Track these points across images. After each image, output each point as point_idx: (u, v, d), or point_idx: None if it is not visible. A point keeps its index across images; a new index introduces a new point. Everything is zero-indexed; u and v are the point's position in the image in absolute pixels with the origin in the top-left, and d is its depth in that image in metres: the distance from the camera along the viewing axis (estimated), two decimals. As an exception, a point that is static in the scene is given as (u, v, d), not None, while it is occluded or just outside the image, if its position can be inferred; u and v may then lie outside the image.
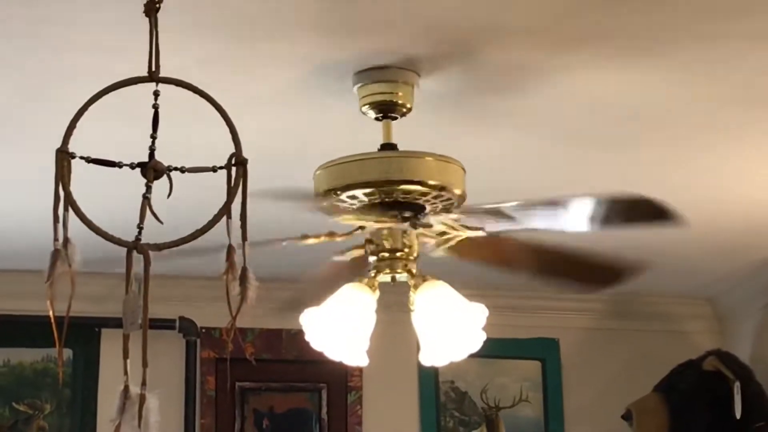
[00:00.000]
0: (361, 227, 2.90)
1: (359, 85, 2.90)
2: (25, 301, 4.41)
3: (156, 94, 1.94)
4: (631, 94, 3.10)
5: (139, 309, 1.80)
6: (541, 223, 2.83)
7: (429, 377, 5.17)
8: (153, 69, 1.95)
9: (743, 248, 4.61)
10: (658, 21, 2.64)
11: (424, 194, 2.81)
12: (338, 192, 2.80)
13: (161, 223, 1.85)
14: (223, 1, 2.51)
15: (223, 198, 1.87)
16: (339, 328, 2.90)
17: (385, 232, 2.90)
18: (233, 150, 1.93)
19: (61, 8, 2.49)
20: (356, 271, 3.00)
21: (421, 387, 5.19)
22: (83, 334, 4.81)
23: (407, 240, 2.91)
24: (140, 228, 1.83)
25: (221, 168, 1.91)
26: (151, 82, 1.94)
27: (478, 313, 2.83)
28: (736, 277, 5.04)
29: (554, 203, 2.72)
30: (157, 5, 1.98)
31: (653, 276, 4.93)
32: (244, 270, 1.85)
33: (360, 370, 5.00)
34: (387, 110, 2.93)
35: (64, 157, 1.81)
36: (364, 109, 2.94)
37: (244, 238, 1.87)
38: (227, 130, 1.93)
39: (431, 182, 2.79)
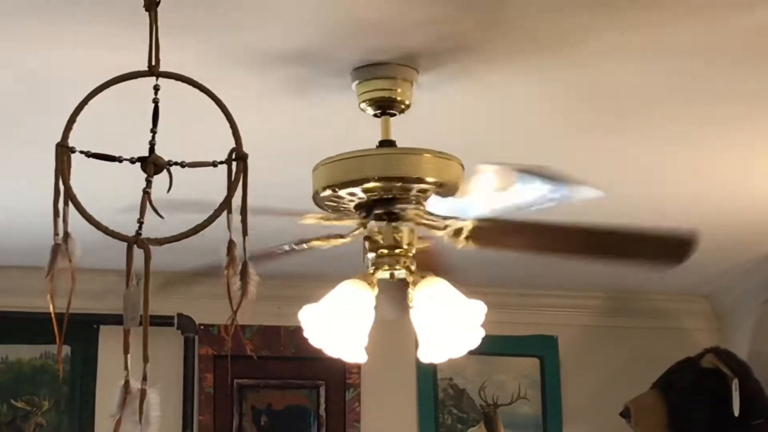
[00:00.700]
0: (363, 225, 2.90)
1: (358, 81, 2.90)
2: (23, 297, 4.42)
3: (156, 88, 1.94)
4: (627, 93, 3.10)
5: (139, 304, 1.80)
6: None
7: (427, 374, 5.18)
8: (153, 63, 1.95)
9: (741, 245, 4.62)
10: (654, 17, 2.64)
11: (423, 191, 2.80)
12: (336, 189, 2.80)
13: (162, 217, 1.85)
14: (221, -3, 2.51)
15: (224, 193, 1.87)
16: (337, 325, 2.90)
17: (381, 229, 2.90)
18: (233, 145, 1.93)
19: (61, 3, 2.49)
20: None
21: (419, 384, 5.19)
22: (82, 331, 4.81)
23: (406, 237, 2.91)
24: (140, 223, 1.83)
25: (221, 163, 1.91)
26: (151, 77, 1.94)
27: (477, 310, 2.83)
28: (734, 275, 5.04)
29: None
30: (157, 0, 1.98)
31: (651, 273, 4.96)
32: (245, 265, 1.85)
33: (358, 367, 5.00)
34: (386, 107, 2.93)
35: (63, 151, 1.81)
36: (363, 105, 2.94)
37: (244, 233, 1.86)
38: (227, 125, 1.93)
39: (430, 179, 2.78)
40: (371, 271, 2.93)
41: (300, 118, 3.20)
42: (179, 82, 1.96)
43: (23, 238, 4.17)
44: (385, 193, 2.81)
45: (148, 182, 1.88)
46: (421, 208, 2.85)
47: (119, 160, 1.89)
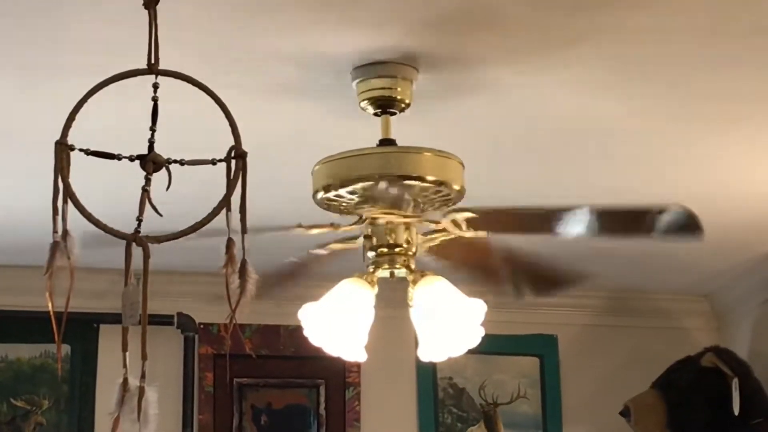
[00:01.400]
0: (361, 219, 2.89)
1: (358, 80, 2.90)
2: (23, 296, 4.43)
3: (155, 86, 1.93)
4: (629, 90, 3.10)
5: (138, 302, 1.80)
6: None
7: (427, 373, 5.17)
8: (152, 61, 1.95)
9: (741, 245, 4.62)
10: (653, 18, 2.64)
11: (423, 190, 2.80)
12: (337, 187, 2.80)
13: (160, 215, 1.85)
14: (221, -4, 2.51)
15: (223, 191, 1.87)
16: (337, 323, 2.90)
17: (381, 227, 2.90)
18: (232, 143, 1.92)
19: (61, 3, 2.49)
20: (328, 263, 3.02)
21: (419, 383, 5.19)
22: (81, 329, 4.81)
23: (406, 235, 2.91)
24: (139, 220, 1.83)
25: (221, 161, 1.90)
26: (150, 75, 1.94)
27: (477, 308, 2.83)
28: (734, 274, 5.04)
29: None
30: (157, -3, 1.98)
31: (651, 273, 4.97)
32: (244, 263, 1.84)
33: (358, 365, 5.00)
34: (386, 105, 2.93)
35: (63, 149, 1.81)
36: (363, 104, 2.94)
37: (243, 230, 1.86)
38: (226, 123, 1.93)
39: (430, 178, 2.78)
40: (371, 270, 2.93)
41: (300, 117, 3.20)
42: (178, 81, 1.96)
43: (22, 237, 4.17)
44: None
45: (147, 180, 1.87)
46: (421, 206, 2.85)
47: (118, 157, 1.89)
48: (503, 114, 3.23)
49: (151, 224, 1.86)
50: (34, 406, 4.83)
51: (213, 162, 1.92)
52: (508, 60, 2.86)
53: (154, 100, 1.93)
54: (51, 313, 1.76)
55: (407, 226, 2.91)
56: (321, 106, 3.11)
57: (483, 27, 2.68)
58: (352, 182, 2.78)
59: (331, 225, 2.92)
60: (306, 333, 2.90)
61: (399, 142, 2.88)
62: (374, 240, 2.92)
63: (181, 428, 4.88)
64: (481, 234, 2.91)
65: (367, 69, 2.87)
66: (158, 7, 1.99)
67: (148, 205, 1.85)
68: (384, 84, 2.89)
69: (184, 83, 1.96)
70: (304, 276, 3.22)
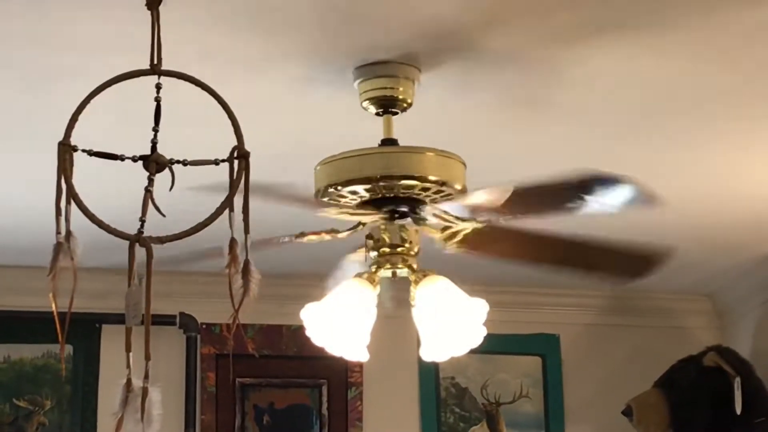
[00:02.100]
0: (362, 223, 2.90)
1: (360, 80, 2.90)
2: (26, 297, 4.43)
3: (158, 87, 1.94)
4: (628, 92, 3.10)
5: (141, 303, 1.80)
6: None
7: (429, 373, 5.17)
8: (155, 62, 1.95)
9: (743, 244, 4.62)
10: (652, 15, 2.64)
11: (425, 189, 2.80)
12: (339, 187, 2.80)
13: (163, 216, 1.85)
14: (223, -4, 2.52)
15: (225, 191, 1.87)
16: (339, 323, 2.90)
17: (383, 227, 2.90)
18: (235, 143, 1.93)
19: (63, 3, 2.49)
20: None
21: (421, 383, 5.19)
22: (84, 330, 4.81)
23: (408, 235, 2.91)
24: (142, 221, 1.83)
25: (223, 161, 1.91)
26: (153, 75, 1.95)
27: (479, 308, 2.83)
28: (736, 273, 5.04)
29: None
30: (160, -2, 1.99)
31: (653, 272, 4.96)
32: (247, 263, 1.85)
33: (360, 365, 5.00)
34: (388, 105, 2.93)
35: (66, 149, 1.81)
36: (365, 104, 2.94)
37: (246, 231, 1.87)
38: (229, 123, 1.93)
39: (432, 177, 2.78)
40: (373, 270, 2.93)
41: (302, 117, 3.20)
42: (181, 81, 1.96)
43: (26, 238, 4.17)
44: (387, 192, 2.80)
45: (150, 181, 1.88)
46: (425, 207, 2.85)
47: (121, 158, 1.89)
48: (505, 113, 3.23)
49: (155, 226, 1.87)
50: (37, 406, 4.83)
51: (216, 162, 1.92)
52: (510, 59, 2.86)
53: (157, 100, 1.94)
54: (54, 313, 1.77)
55: (409, 226, 2.91)
56: (323, 106, 3.11)
57: (485, 26, 2.68)
58: (354, 182, 2.78)
59: (331, 231, 2.92)
60: (308, 333, 2.90)
61: (401, 142, 2.88)
62: (376, 240, 2.92)
63: (183, 428, 4.88)
64: (457, 251, 2.93)
65: (369, 69, 2.87)
66: (161, 7, 2.00)
67: (151, 206, 1.85)
68: (386, 84, 2.89)
69: (187, 84, 1.96)
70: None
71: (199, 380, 4.97)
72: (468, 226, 2.91)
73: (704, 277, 5.12)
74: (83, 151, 1.85)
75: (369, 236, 2.94)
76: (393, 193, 2.81)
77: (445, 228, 2.92)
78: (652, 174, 3.76)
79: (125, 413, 1.76)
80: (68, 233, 1.77)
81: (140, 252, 1.84)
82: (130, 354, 1.80)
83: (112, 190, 3.09)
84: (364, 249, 2.93)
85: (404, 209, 2.86)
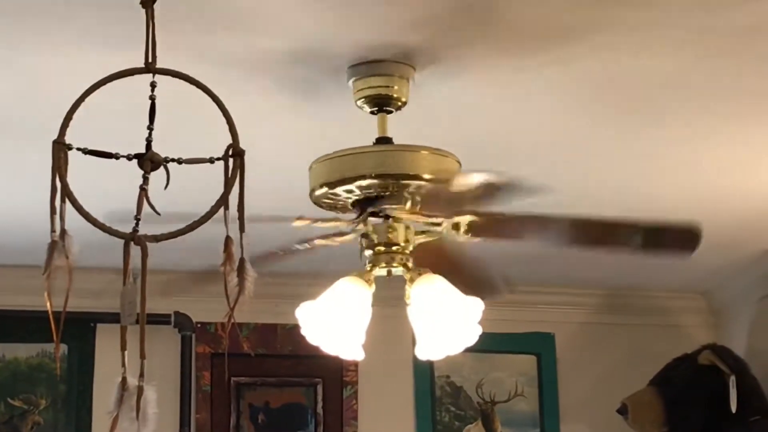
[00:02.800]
0: (362, 222, 2.89)
1: (354, 78, 2.90)
2: (20, 296, 4.43)
3: (153, 85, 1.94)
4: (626, 89, 3.10)
5: (136, 301, 1.80)
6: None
7: (424, 372, 5.17)
8: (150, 60, 1.95)
9: (738, 242, 4.62)
10: (653, 13, 2.64)
11: (420, 188, 2.80)
12: (333, 186, 2.80)
13: (158, 214, 1.85)
14: (217, -5, 2.51)
15: (221, 189, 1.87)
16: (335, 322, 2.89)
17: (379, 225, 2.90)
18: (230, 142, 1.92)
19: (59, 1, 2.48)
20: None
21: (416, 381, 5.19)
22: (79, 329, 4.81)
23: (403, 234, 2.91)
24: (137, 219, 1.83)
25: (218, 159, 1.91)
26: (147, 74, 1.94)
27: (474, 306, 2.83)
28: (730, 271, 5.04)
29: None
30: (154, -4, 1.98)
31: (648, 270, 4.97)
32: (242, 261, 1.84)
33: (355, 364, 5.00)
34: (382, 104, 2.92)
35: (60, 148, 1.81)
36: (360, 102, 2.93)
37: (241, 229, 1.87)
38: (224, 121, 1.93)
39: (427, 176, 2.78)
40: (368, 269, 2.93)
41: (296, 116, 3.20)
42: (176, 80, 1.96)
43: (20, 237, 4.16)
44: (382, 191, 2.80)
45: (145, 179, 1.87)
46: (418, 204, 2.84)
47: (116, 156, 1.89)
48: (500, 111, 3.23)
49: (150, 224, 1.87)
50: (32, 405, 4.83)
51: (211, 160, 1.92)
52: (505, 57, 2.86)
53: (152, 98, 1.93)
54: (49, 312, 1.76)
55: (404, 225, 2.91)
56: (317, 104, 3.11)
57: (479, 24, 2.68)
58: (349, 181, 2.78)
59: (335, 219, 2.92)
60: (303, 332, 2.90)
61: (396, 141, 2.88)
62: (371, 238, 2.91)
63: (178, 427, 4.88)
64: (475, 240, 2.92)
65: (363, 67, 2.87)
66: (155, 6, 2.00)
67: (146, 204, 1.84)
68: (380, 82, 2.88)
69: (182, 82, 1.96)
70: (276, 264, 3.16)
71: (194, 379, 4.97)
72: (457, 219, 2.90)
73: (699, 276, 5.12)
74: (78, 149, 1.84)
75: (364, 235, 2.93)
76: (388, 191, 2.81)
77: (443, 221, 2.92)
78: (646, 171, 3.79)
79: (120, 412, 1.76)
80: (63, 232, 1.77)
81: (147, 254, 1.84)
82: (125, 353, 1.80)
83: (106, 189, 3.09)
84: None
85: (399, 208, 2.85)
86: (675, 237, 2.98)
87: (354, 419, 5.09)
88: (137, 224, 1.83)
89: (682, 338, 5.20)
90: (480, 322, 2.83)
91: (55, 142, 1.83)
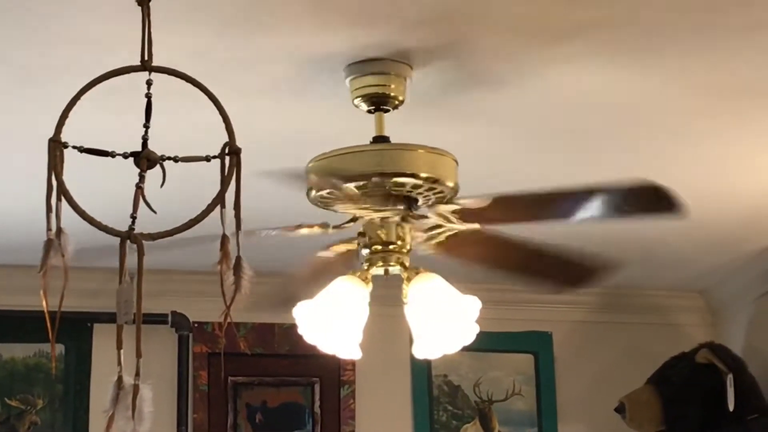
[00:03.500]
0: (355, 218, 2.89)
1: (351, 77, 2.90)
2: (17, 296, 4.42)
3: (149, 83, 1.93)
4: (624, 88, 3.10)
5: (132, 300, 1.80)
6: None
7: (422, 371, 5.17)
8: (146, 58, 1.95)
9: (735, 240, 4.62)
10: (653, 12, 2.64)
11: (417, 186, 2.80)
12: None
13: (154, 212, 1.85)
14: (214, -7, 2.51)
15: (217, 188, 1.87)
16: (332, 321, 2.89)
17: (376, 224, 2.89)
18: (226, 140, 1.92)
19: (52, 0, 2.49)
20: (343, 266, 3.00)
21: (414, 381, 5.18)
22: (76, 329, 4.80)
23: (400, 233, 2.91)
24: (133, 218, 1.83)
25: (215, 157, 1.90)
26: (144, 71, 1.94)
27: (471, 305, 2.83)
28: (728, 270, 5.04)
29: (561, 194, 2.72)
30: (150, -6, 1.98)
31: (646, 269, 4.97)
32: (239, 260, 1.84)
33: (353, 363, 5.00)
34: (379, 103, 2.92)
35: (56, 146, 1.81)
36: (357, 101, 2.93)
37: (238, 227, 1.86)
38: (220, 120, 1.93)
39: (424, 174, 2.78)
40: (365, 268, 2.92)
41: (293, 114, 3.20)
42: (172, 78, 1.96)
43: (16, 236, 4.16)
44: (378, 189, 2.80)
45: (141, 177, 1.87)
46: (448, 207, 2.84)
47: (112, 155, 1.88)
48: (497, 110, 3.23)
49: (146, 223, 1.86)
50: (29, 405, 4.82)
51: (207, 159, 1.91)
52: (502, 56, 2.86)
53: (148, 97, 1.93)
54: (45, 310, 1.76)
55: (401, 224, 2.90)
56: (314, 103, 3.11)
57: (477, 23, 2.68)
58: (346, 179, 2.77)
59: (323, 225, 2.91)
60: (300, 331, 2.90)
61: (393, 140, 2.88)
62: (368, 237, 2.91)
63: (175, 427, 4.87)
64: (474, 226, 2.90)
65: (360, 66, 2.87)
66: (151, 4, 1.99)
67: (142, 203, 1.84)
68: (377, 81, 2.88)
69: (178, 80, 1.96)
70: (317, 279, 3.18)
71: (191, 379, 4.96)
72: (460, 228, 2.91)
73: (696, 274, 5.12)
74: (74, 147, 1.84)
75: (361, 234, 2.93)
76: (385, 190, 2.80)
77: (432, 228, 2.92)
78: (642, 170, 3.78)
79: (116, 411, 1.75)
80: (59, 230, 1.77)
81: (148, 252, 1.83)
82: (121, 351, 1.79)
83: (102, 188, 3.08)
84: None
85: (396, 207, 2.85)
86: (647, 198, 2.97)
87: (351, 418, 5.09)
88: (133, 222, 1.82)
89: (679, 337, 5.20)
90: (477, 321, 2.83)
91: (50, 140, 1.82)
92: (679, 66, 2.95)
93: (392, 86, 2.90)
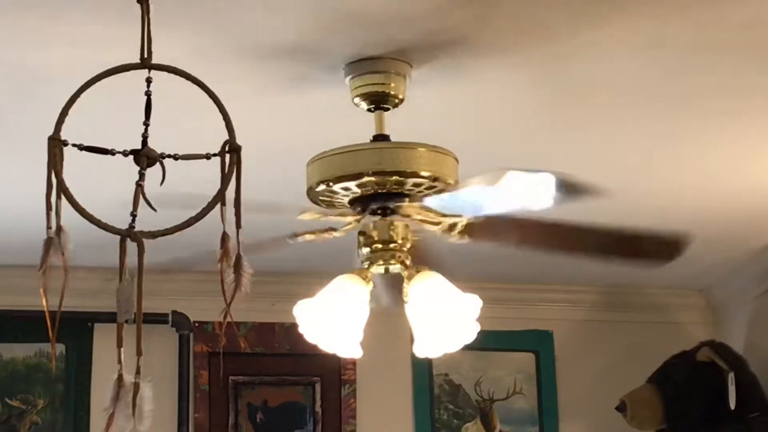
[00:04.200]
0: (358, 220, 2.89)
1: (351, 76, 2.89)
2: (17, 296, 4.42)
3: (148, 81, 1.93)
4: (625, 85, 3.10)
5: (132, 297, 1.79)
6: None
7: (423, 370, 5.17)
8: (145, 56, 1.94)
9: (736, 238, 4.62)
10: (653, 7, 2.64)
11: (417, 185, 2.80)
12: (331, 183, 2.79)
13: (155, 210, 1.84)
14: (214, -8, 2.51)
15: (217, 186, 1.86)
16: (332, 320, 2.89)
17: (375, 223, 2.89)
18: (226, 138, 1.92)
19: (52, -1, 2.49)
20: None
21: (415, 380, 5.19)
22: (76, 328, 4.80)
23: (400, 231, 2.90)
24: (134, 215, 1.82)
25: (215, 155, 1.90)
26: (143, 69, 1.94)
27: (472, 304, 2.82)
28: (729, 268, 5.04)
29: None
30: (149, -8, 1.98)
31: (645, 270, 4.96)
32: (239, 257, 1.84)
33: (354, 362, 5.00)
34: (379, 101, 2.92)
35: (56, 144, 1.80)
36: (356, 100, 2.93)
37: (238, 225, 1.86)
38: (220, 118, 1.93)
39: (424, 173, 2.77)
40: (366, 266, 2.92)
41: (293, 113, 3.20)
42: (172, 76, 1.95)
43: (17, 237, 4.16)
44: (379, 188, 2.80)
45: (141, 175, 1.87)
46: (416, 202, 2.84)
47: (112, 153, 1.88)
48: (497, 108, 3.23)
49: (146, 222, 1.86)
50: (30, 405, 4.82)
51: (207, 156, 1.91)
52: (502, 54, 2.86)
53: (148, 94, 1.93)
54: (45, 309, 1.76)
55: (402, 222, 2.90)
56: (314, 102, 3.11)
57: (476, 22, 2.68)
58: (346, 178, 2.77)
59: (329, 230, 2.91)
60: (301, 330, 2.89)
61: (393, 138, 2.88)
62: (369, 236, 2.91)
63: (176, 427, 4.87)
64: (464, 239, 2.93)
65: (360, 65, 2.86)
66: (151, 1, 1.99)
67: (142, 201, 1.84)
68: (377, 80, 2.88)
69: (178, 78, 1.96)
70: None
71: (192, 378, 4.97)
72: (455, 220, 2.91)
73: (697, 272, 5.12)
74: (73, 145, 1.84)
75: (361, 232, 2.93)
76: (385, 189, 2.80)
77: (440, 221, 2.91)
78: (643, 168, 3.78)
79: (116, 409, 1.75)
80: (59, 228, 1.76)
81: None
82: (122, 350, 1.79)
83: (102, 186, 3.08)
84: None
85: (396, 205, 2.85)
86: (655, 246, 3.00)
87: (352, 418, 5.09)
88: (133, 220, 1.82)
89: (680, 335, 5.20)
90: (478, 320, 2.83)
91: (50, 138, 1.82)
92: (679, 63, 2.95)
93: (392, 85, 2.90)
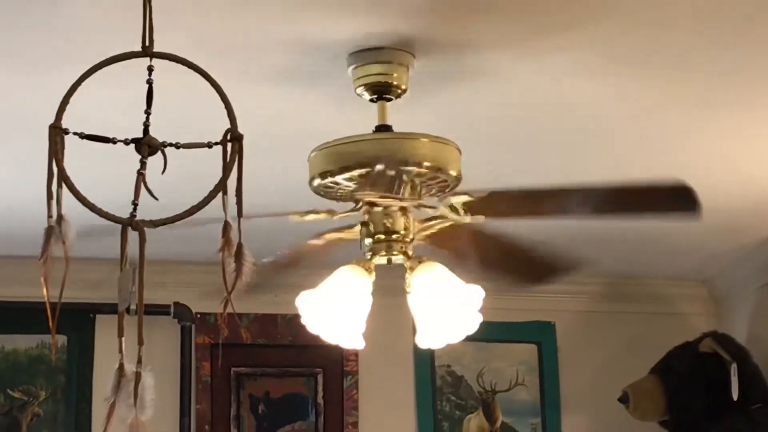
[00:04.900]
0: (360, 205, 2.88)
1: (354, 66, 2.89)
2: (19, 287, 4.42)
3: (150, 69, 1.92)
4: (627, 73, 3.09)
5: (133, 286, 1.79)
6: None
7: (425, 361, 5.17)
8: (147, 44, 1.94)
9: (738, 229, 4.61)
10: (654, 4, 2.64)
11: (420, 175, 2.79)
12: (333, 174, 2.79)
13: (156, 199, 1.84)
14: (216, -20, 2.50)
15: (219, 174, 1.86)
16: (335, 311, 2.89)
17: (379, 213, 2.89)
18: (228, 127, 1.91)
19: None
20: (326, 255, 3.00)
21: (417, 371, 5.19)
22: (78, 320, 4.80)
23: (403, 222, 2.90)
24: (135, 204, 1.82)
25: (217, 144, 1.89)
26: (145, 57, 1.93)
27: (475, 294, 2.82)
28: (731, 259, 5.04)
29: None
30: (151, -21, 1.97)
31: (649, 258, 4.97)
32: (240, 246, 1.84)
33: (356, 354, 5.00)
34: (382, 91, 2.92)
35: (57, 132, 1.80)
36: (359, 90, 2.92)
37: (239, 214, 1.86)
38: (221, 107, 1.92)
39: (427, 164, 2.77)
40: (368, 257, 2.92)
41: (296, 104, 3.19)
42: (173, 64, 1.95)
43: (18, 227, 4.16)
44: (383, 178, 2.79)
45: (143, 164, 1.86)
46: (418, 192, 2.83)
47: (113, 141, 1.88)
48: (500, 99, 3.23)
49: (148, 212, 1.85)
50: (31, 396, 4.83)
51: (209, 145, 1.90)
52: (504, 45, 2.85)
53: (149, 83, 1.92)
54: (46, 299, 1.75)
55: (404, 213, 2.90)
56: (317, 92, 3.10)
57: (479, 12, 2.68)
58: (349, 169, 2.77)
59: (328, 211, 2.90)
60: (303, 321, 2.89)
61: (395, 129, 2.87)
62: (371, 227, 2.90)
63: (178, 418, 4.87)
64: (479, 219, 2.89)
65: (363, 55, 2.86)
66: (154, -5, 1.99)
67: (143, 190, 1.83)
68: (380, 70, 2.87)
69: (179, 67, 1.95)
70: (299, 266, 3.21)
71: (193, 370, 4.97)
72: (462, 220, 2.90)
73: (700, 263, 5.12)
74: (75, 134, 1.83)
75: (363, 223, 2.92)
76: (387, 179, 2.79)
77: (430, 219, 2.91)
78: (645, 158, 3.77)
79: (118, 398, 1.75)
80: (59, 217, 1.76)
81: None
82: (123, 339, 1.79)
83: (103, 175, 3.08)
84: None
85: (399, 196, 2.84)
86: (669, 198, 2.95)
87: (355, 409, 5.09)
88: (135, 209, 1.82)
89: (683, 326, 5.20)
90: (480, 311, 2.82)
91: (51, 127, 1.81)
92: (685, 55, 2.94)
93: (395, 75, 2.89)
